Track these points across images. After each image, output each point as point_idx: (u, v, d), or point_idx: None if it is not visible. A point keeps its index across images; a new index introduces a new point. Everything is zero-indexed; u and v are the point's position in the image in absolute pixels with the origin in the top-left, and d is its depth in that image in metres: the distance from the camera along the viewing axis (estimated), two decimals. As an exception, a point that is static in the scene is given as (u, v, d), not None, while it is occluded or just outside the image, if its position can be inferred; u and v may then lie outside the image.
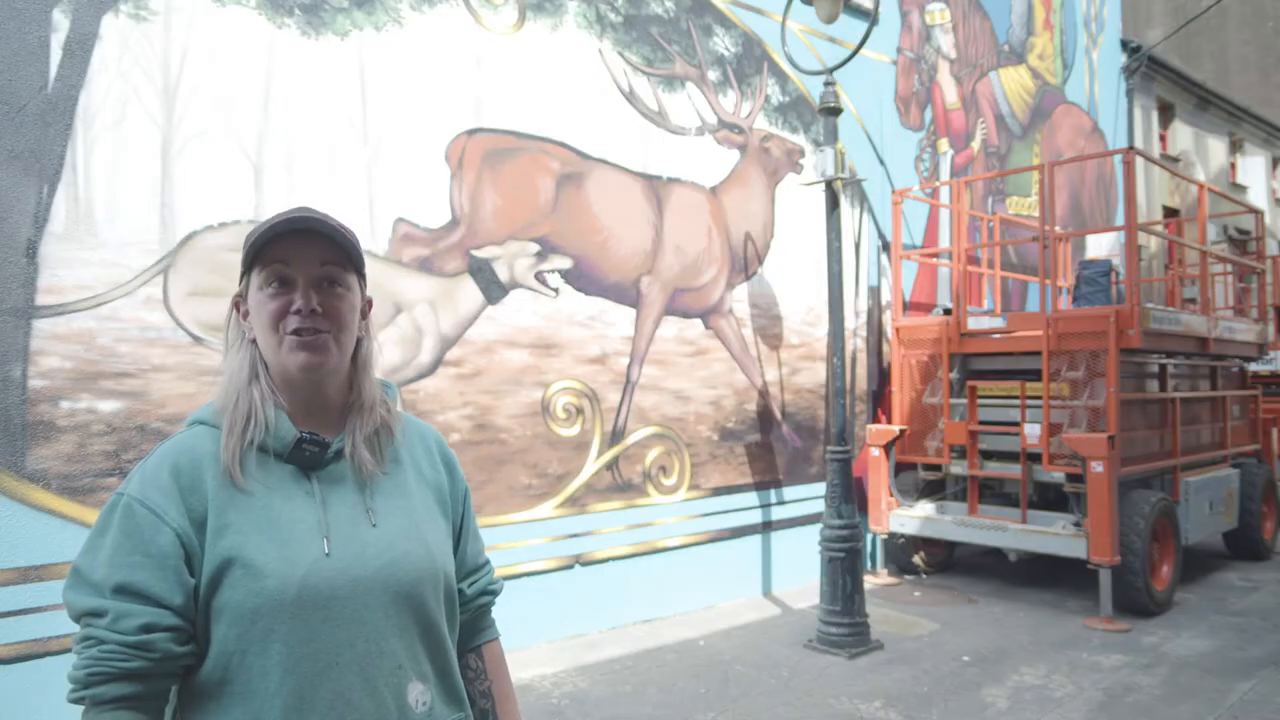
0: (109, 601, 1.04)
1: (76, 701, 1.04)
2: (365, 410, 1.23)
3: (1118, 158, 10.99)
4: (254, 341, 1.20)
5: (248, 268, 1.19)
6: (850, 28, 7.16)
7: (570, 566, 5.26)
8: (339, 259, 1.20)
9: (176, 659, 1.06)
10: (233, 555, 1.07)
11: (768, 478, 6.51)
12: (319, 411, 1.22)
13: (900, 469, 7.05)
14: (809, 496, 6.77)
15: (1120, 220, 11.09)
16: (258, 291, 1.18)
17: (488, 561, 1.43)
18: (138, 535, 1.07)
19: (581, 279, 5.44)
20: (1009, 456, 6.49)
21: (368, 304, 1.27)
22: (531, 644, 5.04)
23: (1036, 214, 9.31)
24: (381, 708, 1.12)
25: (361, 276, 1.25)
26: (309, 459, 1.16)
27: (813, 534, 5.79)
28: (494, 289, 5.04)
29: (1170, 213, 13.53)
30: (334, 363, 1.19)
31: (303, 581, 1.08)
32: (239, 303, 1.23)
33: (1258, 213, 8.74)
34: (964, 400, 6.75)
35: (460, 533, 1.36)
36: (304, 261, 1.17)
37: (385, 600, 1.14)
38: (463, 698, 1.26)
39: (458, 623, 1.31)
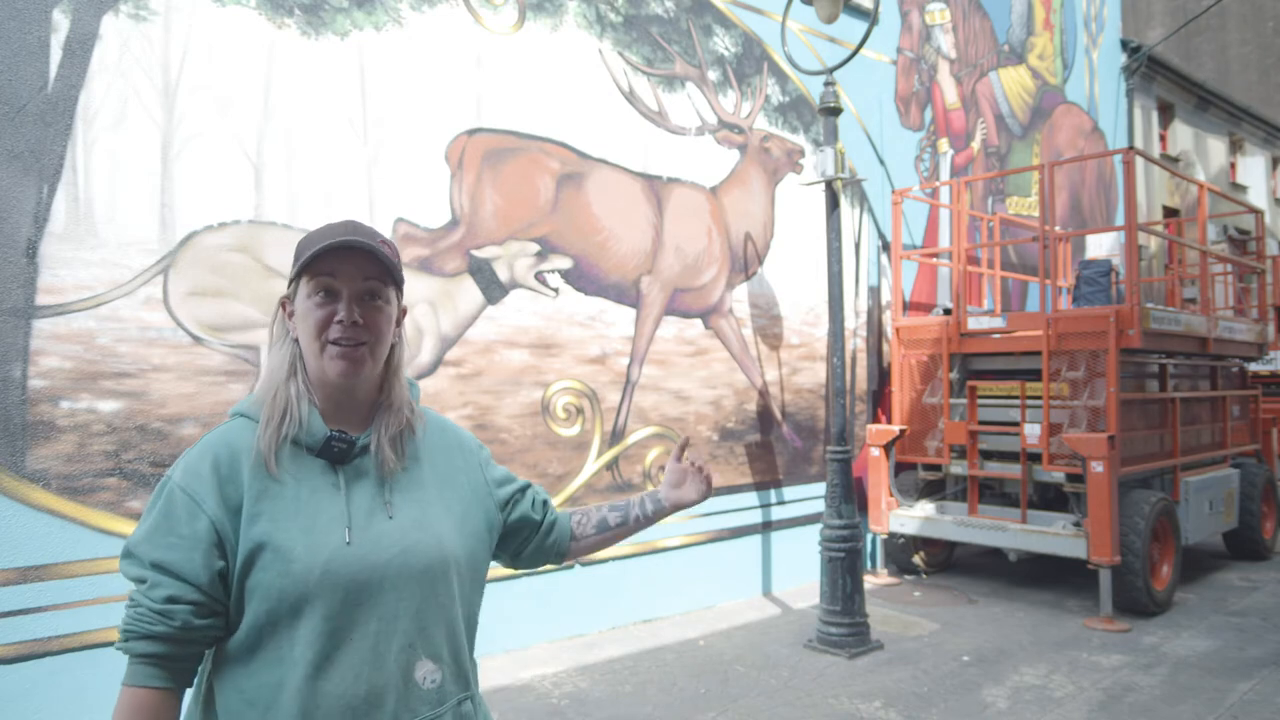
0: (148, 572, 1.20)
1: (120, 650, 1.20)
2: (393, 411, 1.34)
3: (1118, 158, 10.99)
4: (296, 340, 1.32)
5: (297, 275, 1.30)
6: (850, 28, 7.16)
7: (570, 566, 5.26)
8: (381, 274, 1.31)
9: (196, 629, 1.19)
10: (264, 540, 1.20)
11: (768, 478, 6.51)
12: (349, 409, 1.33)
13: (900, 469, 7.05)
14: (809, 496, 6.77)
15: (1120, 220, 11.09)
16: (305, 299, 1.29)
17: (525, 489, 1.58)
18: (176, 519, 1.21)
19: (581, 279, 5.44)
20: (1009, 456, 6.49)
21: (402, 313, 1.38)
22: (531, 644, 5.04)
23: (1036, 214, 9.32)
24: (389, 680, 1.22)
25: (399, 289, 1.36)
26: (337, 454, 1.28)
27: (813, 534, 5.80)
28: (494, 289, 5.04)
29: (1170, 213, 13.53)
30: (368, 371, 1.31)
31: (325, 567, 1.20)
32: (285, 303, 1.34)
33: (1258, 213, 8.74)
34: (964, 400, 6.75)
35: (509, 503, 1.52)
36: (349, 276, 1.28)
37: (398, 585, 1.25)
38: (471, 679, 1.35)
39: (479, 601, 1.42)
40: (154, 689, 1.19)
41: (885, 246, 7.75)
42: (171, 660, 1.20)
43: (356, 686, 1.20)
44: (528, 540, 1.56)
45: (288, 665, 1.18)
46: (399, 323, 1.37)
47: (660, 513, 1.65)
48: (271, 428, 1.25)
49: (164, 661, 1.19)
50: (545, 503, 1.60)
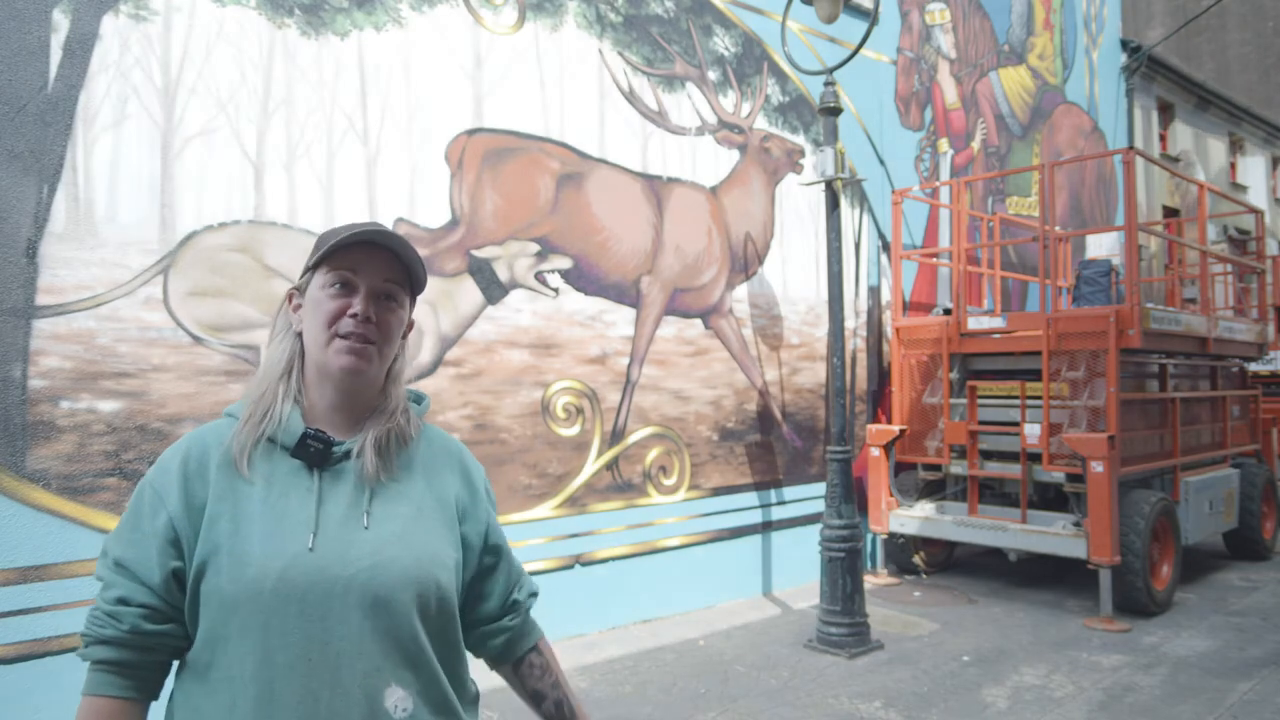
0: (109, 573, 1.15)
1: (81, 658, 1.15)
2: (385, 416, 1.27)
3: (1118, 158, 10.99)
4: (299, 334, 1.27)
5: (314, 265, 1.25)
6: (850, 28, 7.16)
7: (570, 566, 5.26)
8: (401, 279, 1.27)
9: (147, 635, 1.13)
10: (222, 543, 1.12)
11: (768, 478, 6.51)
12: (345, 410, 1.26)
13: (900, 469, 7.05)
14: (809, 496, 6.77)
15: (1120, 220, 11.09)
16: (319, 290, 1.23)
17: (516, 587, 1.43)
18: (140, 515, 1.17)
19: (581, 279, 5.44)
20: (1009, 456, 6.49)
21: (409, 326, 1.33)
22: (531, 644, 5.03)
23: (1036, 214, 9.32)
24: (352, 708, 1.10)
25: (414, 298, 1.32)
26: (313, 455, 1.19)
27: (813, 534, 5.80)
28: (494, 289, 5.04)
29: (1170, 213, 13.53)
30: (373, 371, 1.25)
31: (281, 574, 1.10)
32: (292, 295, 1.29)
33: (1258, 213, 8.74)
34: (964, 400, 6.75)
35: (470, 551, 1.32)
36: (370, 273, 1.24)
37: (364, 602, 1.13)
38: (454, 708, 1.23)
39: (456, 631, 1.28)
40: (111, 698, 1.11)
41: (885, 246, 7.75)
42: (130, 668, 1.13)
43: (315, 712, 1.08)
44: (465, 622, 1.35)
45: (240, 684, 1.08)
46: (405, 335, 1.32)
47: None
48: (250, 424, 1.19)
49: (122, 669, 1.12)
50: (516, 604, 1.41)
